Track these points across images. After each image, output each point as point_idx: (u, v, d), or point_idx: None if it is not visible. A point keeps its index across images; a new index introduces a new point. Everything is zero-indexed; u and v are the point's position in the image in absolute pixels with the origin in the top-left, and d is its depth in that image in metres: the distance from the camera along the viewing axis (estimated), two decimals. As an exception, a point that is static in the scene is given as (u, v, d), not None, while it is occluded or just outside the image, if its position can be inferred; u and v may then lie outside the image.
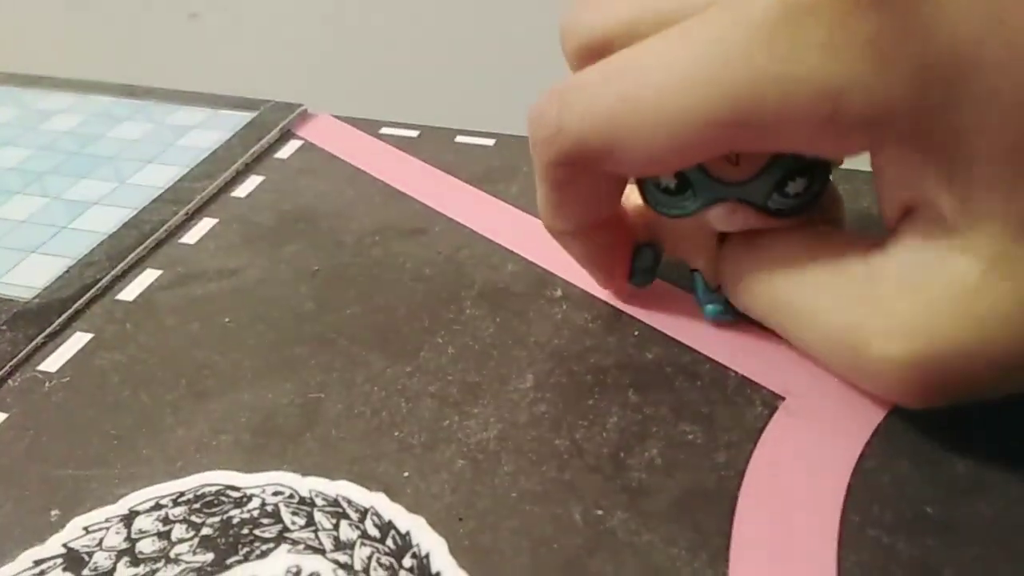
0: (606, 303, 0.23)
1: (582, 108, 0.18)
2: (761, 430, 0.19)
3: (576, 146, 0.18)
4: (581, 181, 0.19)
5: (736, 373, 0.20)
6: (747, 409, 0.20)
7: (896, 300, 0.17)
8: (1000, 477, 0.18)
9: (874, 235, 0.18)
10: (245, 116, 0.33)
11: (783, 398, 0.20)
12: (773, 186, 0.18)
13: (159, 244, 0.26)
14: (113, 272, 0.25)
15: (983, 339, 0.16)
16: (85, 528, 0.17)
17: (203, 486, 0.18)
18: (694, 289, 0.22)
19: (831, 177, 0.19)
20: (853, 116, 0.15)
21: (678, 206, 0.19)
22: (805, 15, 0.15)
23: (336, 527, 0.17)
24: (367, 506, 0.18)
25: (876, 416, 0.19)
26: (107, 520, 0.17)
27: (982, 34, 0.15)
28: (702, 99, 0.16)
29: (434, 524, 0.17)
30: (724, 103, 0.16)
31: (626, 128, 0.17)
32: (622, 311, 0.23)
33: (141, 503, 0.18)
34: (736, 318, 0.21)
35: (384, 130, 0.32)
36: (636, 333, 0.22)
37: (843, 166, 0.20)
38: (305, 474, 0.18)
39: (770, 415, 0.19)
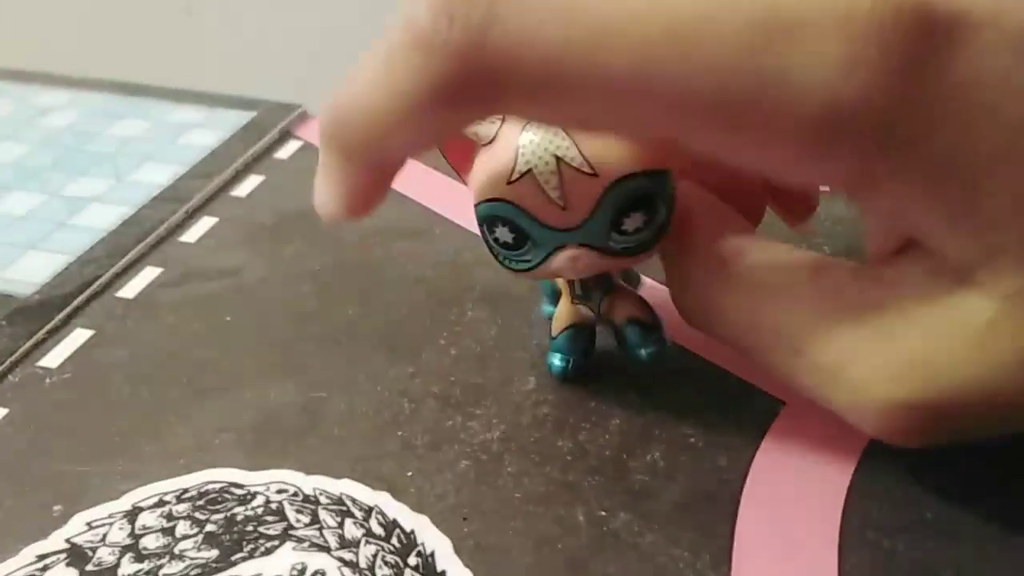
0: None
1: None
2: (762, 434, 0.19)
3: (509, 53, 0.13)
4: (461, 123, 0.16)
5: (737, 377, 0.21)
6: (748, 413, 0.20)
7: (898, 337, 0.15)
8: (999, 479, 0.18)
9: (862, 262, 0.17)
10: (244, 116, 0.33)
11: (783, 402, 0.20)
12: (609, 226, 0.18)
13: (159, 242, 0.26)
14: (113, 269, 0.25)
15: (996, 379, 0.15)
16: (88, 523, 0.17)
17: (207, 483, 0.18)
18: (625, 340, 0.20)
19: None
20: (859, 123, 0.13)
21: (521, 260, 0.18)
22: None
23: (341, 525, 0.17)
24: (371, 505, 0.18)
25: (875, 421, 0.19)
26: (110, 516, 0.17)
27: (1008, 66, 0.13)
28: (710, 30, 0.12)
29: (438, 523, 0.17)
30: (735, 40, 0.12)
31: (592, 41, 0.12)
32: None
33: (144, 499, 0.18)
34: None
35: (384, 132, 0.32)
36: (638, 337, 0.22)
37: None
38: (309, 472, 0.18)
39: (771, 419, 0.20)
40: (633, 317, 0.20)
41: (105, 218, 0.27)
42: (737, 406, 0.20)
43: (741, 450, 0.19)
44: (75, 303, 0.23)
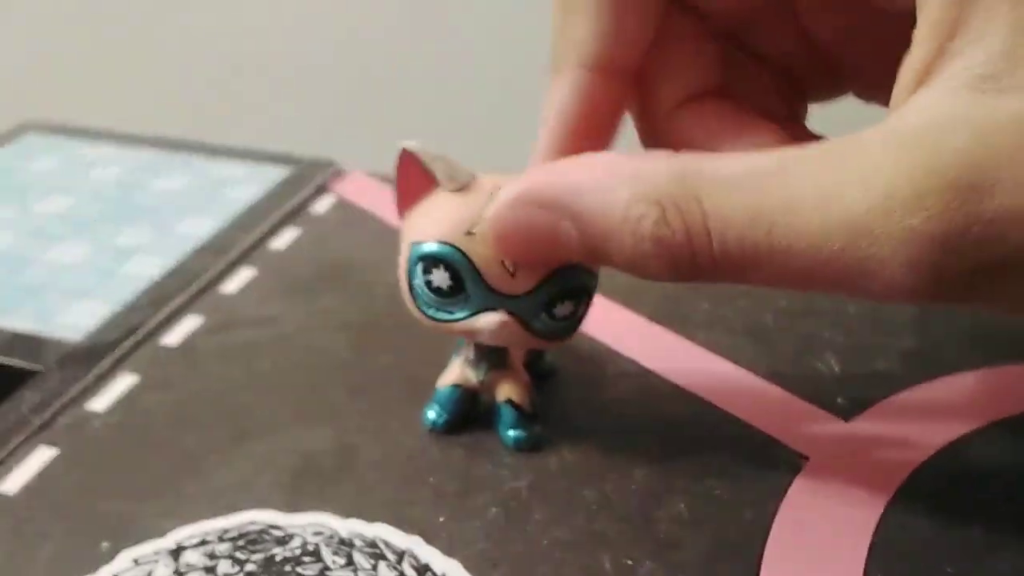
0: (634, 361, 0.24)
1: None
2: (785, 488, 0.20)
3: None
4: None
5: (761, 432, 0.21)
6: (771, 467, 0.20)
7: (932, 150, 0.14)
8: (1016, 537, 0.18)
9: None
10: (282, 171, 0.34)
11: (806, 458, 0.20)
12: (543, 305, 0.18)
13: (201, 292, 0.27)
14: (157, 317, 0.26)
15: None
16: (135, 560, 0.18)
17: (247, 524, 0.19)
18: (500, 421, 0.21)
19: None
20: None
21: (446, 310, 0.19)
22: None
23: (375, 568, 0.18)
24: (404, 548, 0.18)
25: (897, 477, 0.20)
26: (156, 553, 0.18)
27: None
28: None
29: (469, 568, 0.18)
30: None
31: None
32: (650, 370, 0.23)
33: (188, 538, 0.18)
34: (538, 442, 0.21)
35: (416, 189, 0.33)
36: (664, 391, 0.23)
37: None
38: (344, 516, 0.19)
39: (794, 474, 0.20)
40: (510, 399, 0.21)
41: (150, 268, 0.28)
42: (760, 460, 0.20)
43: (765, 504, 0.19)
44: (121, 349, 0.24)
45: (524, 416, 0.21)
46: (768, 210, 0.15)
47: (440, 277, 0.18)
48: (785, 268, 0.15)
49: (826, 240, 0.14)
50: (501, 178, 0.19)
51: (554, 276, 0.18)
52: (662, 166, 0.16)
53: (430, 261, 0.18)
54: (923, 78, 0.15)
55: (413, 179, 0.19)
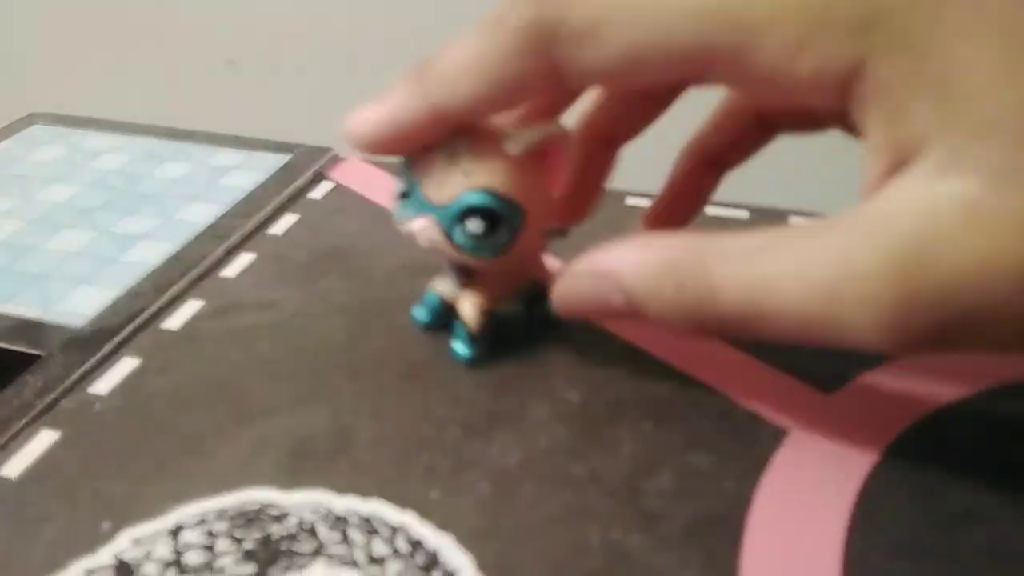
0: (621, 339, 0.24)
1: None
2: (767, 461, 0.20)
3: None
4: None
5: (743, 407, 0.22)
6: (754, 441, 0.21)
7: (886, 231, 0.16)
8: (993, 507, 0.19)
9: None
10: (280, 158, 0.35)
11: (788, 431, 0.21)
12: (457, 217, 0.21)
13: (201, 277, 0.28)
14: (159, 302, 0.26)
15: (991, 249, 0.15)
16: (135, 540, 0.19)
17: (245, 503, 0.19)
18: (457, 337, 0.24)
19: None
20: (843, 17, 0.16)
21: (400, 212, 0.22)
22: None
23: (369, 543, 0.18)
24: (398, 524, 0.19)
25: (875, 450, 0.20)
26: (155, 533, 0.19)
27: None
28: None
29: (461, 543, 0.18)
30: None
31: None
32: (637, 347, 0.24)
33: (187, 517, 0.19)
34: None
35: (412, 173, 0.33)
36: (649, 368, 0.23)
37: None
38: (340, 493, 0.20)
39: (775, 447, 0.20)
40: (460, 317, 0.24)
41: (152, 254, 0.29)
42: (743, 434, 0.21)
43: (747, 477, 0.20)
44: (123, 334, 0.25)
45: (469, 335, 0.23)
46: (759, 281, 0.17)
47: (402, 184, 0.22)
48: (777, 328, 0.17)
49: (804, 306, 0.17)
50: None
51: (473, 196, 0.21)
52: (683, 244, 0.19)
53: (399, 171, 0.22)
54: (888, 176, 0.17)
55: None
